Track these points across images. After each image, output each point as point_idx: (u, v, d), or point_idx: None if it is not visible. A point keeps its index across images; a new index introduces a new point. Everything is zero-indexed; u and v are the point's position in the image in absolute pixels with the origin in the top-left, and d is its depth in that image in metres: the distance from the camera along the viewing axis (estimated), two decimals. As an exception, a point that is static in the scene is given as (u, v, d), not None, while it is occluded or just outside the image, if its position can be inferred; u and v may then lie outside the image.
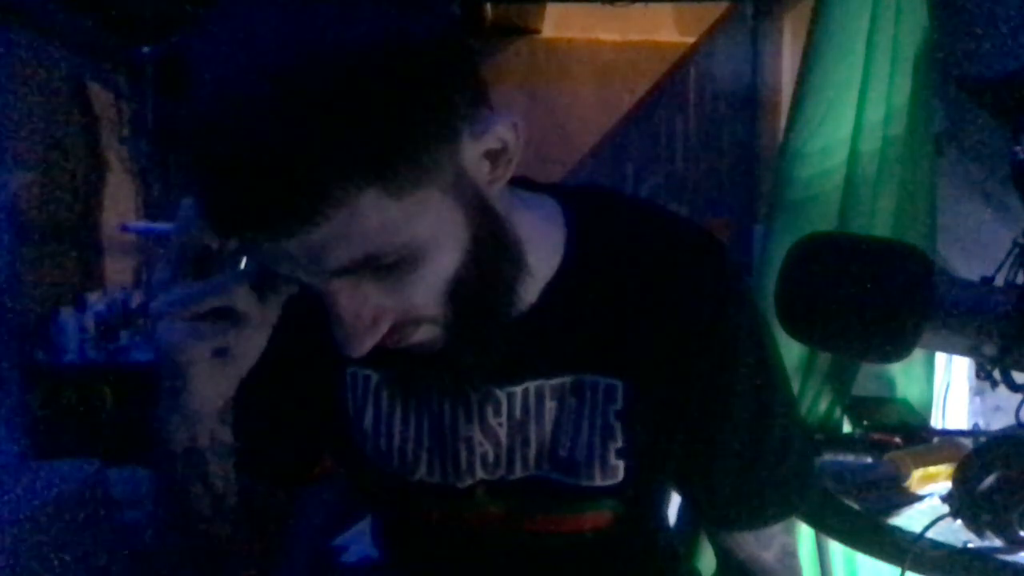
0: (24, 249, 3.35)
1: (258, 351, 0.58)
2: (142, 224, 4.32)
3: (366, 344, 0.54)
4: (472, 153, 0.53)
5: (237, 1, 0.48)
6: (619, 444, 0.67)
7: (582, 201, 0.70)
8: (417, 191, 0.49)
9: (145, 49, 4.12)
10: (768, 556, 0.74)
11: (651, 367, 0.66)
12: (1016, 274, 0.93)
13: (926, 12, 1.43)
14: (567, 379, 0.67)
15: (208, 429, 0.61)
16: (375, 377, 0.71)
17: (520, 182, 0.69)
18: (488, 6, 4.78)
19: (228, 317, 0.55)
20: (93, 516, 2.20)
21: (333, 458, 0.78)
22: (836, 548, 1.34)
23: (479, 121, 0.53)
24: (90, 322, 3.51)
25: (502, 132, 0.54)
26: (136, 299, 3.84)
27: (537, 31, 5.29)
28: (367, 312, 0.53)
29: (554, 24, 5.26)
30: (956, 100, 1.52)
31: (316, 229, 0.47)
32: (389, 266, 0.52)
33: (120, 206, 4.22)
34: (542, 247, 0.65)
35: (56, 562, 1.99)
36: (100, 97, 4.05)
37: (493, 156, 0.55)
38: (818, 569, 1.34)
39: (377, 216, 0.48)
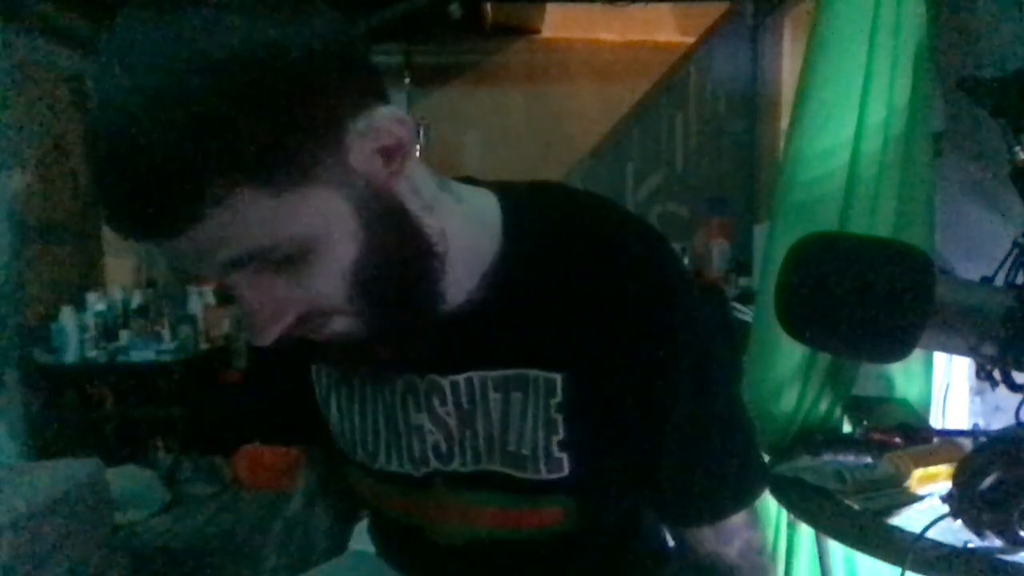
0: (24, 249, 3.35)
1: None
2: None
3: (272, 333, 0.57)
4: (361, 150, 0.56)
5: (124, 22, 0.51)
6: (561, 436, 0.68)
7: (521, 196, 0.71)
8: (297, 189, 0.52)
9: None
10: (731, 552, 0.74)
11: (589, 360, 0.67)
12: (1016, 274, 0.93)
13: (926, 12, 1.43)
14: (509, 372, 0.68)
15: None
16: (334, 374, 0.75)
17: (464, 180, 0.71)
18: (488, 6, 4.78)
19: None
20: (93, 516, 2.20)
21: (323, 448, 0.82)
22: (836, 548, 1.34)
23: (367, 119, 0.56)
24: (90, 322, 3.51)
25: (393, 128, 0.57)
26: (136, 299, 3.84)
27: (537, 31, 5.29)
28: (269, 303, 0.56)
29: (554, 24, 5.26)
30: (956, 100, 1.52)
31: (199, 227, 0.50)
32: (283, 259, 0.54)
33: (120, 206, 4.22)
34: (475, 239, 0.67)
35: (56, 562, 1.99)
36: (100, 97, 4.04)
37: (386, 152, 0.57)
38: (818, 569, 1.34)
39: (256, 213, 0.51)
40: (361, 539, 0.95)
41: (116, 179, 0.50)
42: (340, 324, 0.60)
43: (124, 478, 3.03)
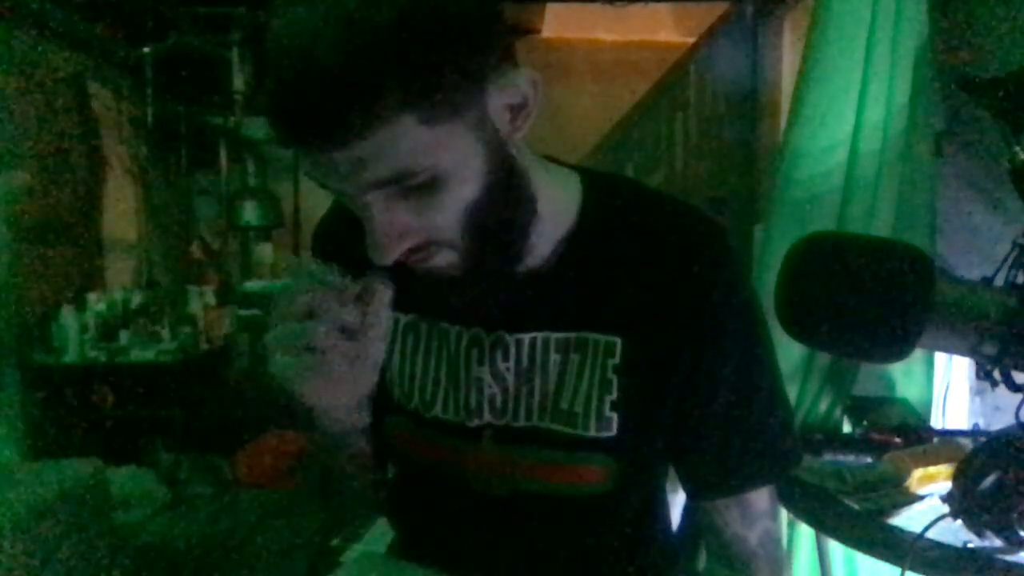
0: (24, 249, 3.35)
1: (377, 357, 0.68)
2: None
3: (392, 253, 0.63)
4: (496, 102, 0.63)
5: None
6: (614, 396, 0.73)
7: (600, 178, 0.79)
8: (447, 123, 0.59)
9: (145, 49, 4.12)
10: (752, 537, 0.78)
11: (649, 328, 0.73)
12: (1016, 274, 0.92)
13: (926, 12, 1.43)
14: (571, 335, 0.74)
15: (340, 419, 0.77)
16: (403, 320, 0.81)
17: (548, 159, 0.77)
18: (488, 6, 4.77)
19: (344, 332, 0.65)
20: (93, 516, 2.20)
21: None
22: (836, 548, 1.34)
23: (504, 76, 0.62)
24: (90, 322, 3.51)
25: (524, 88, 0.64)
26: (136, 299, 3.84)
27: (537, 31, 5.29)
28: (395, 226, 0.63)
29: (554, 24, 5.26)
30: (956, 100, 1.52)
31: (362, 143, 0.57)
32: (417, 187, 0.61)
33: (120, 206, 4.22)
34: (556, 207, 0.74)
35: (56, 561, 1.99)
36: (100, 97, 4.05)
37: (514, 109, 0.65)
38: (818, 569, 1.34)
39: (412, 138, 0.58)
40: (370, 540, 0.95)
41: (302, 90, 0.56)
42: (443, 258, 0.66)
43: (124, 478, 3.03)
